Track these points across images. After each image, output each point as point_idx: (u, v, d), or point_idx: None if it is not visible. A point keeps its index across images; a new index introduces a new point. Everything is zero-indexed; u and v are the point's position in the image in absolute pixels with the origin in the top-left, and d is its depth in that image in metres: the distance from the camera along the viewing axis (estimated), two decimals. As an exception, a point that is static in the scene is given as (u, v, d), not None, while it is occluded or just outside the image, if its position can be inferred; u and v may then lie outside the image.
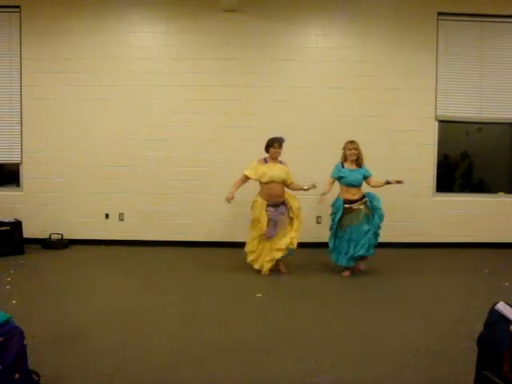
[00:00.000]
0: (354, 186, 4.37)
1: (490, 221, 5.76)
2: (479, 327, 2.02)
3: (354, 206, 4.34)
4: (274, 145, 4.37)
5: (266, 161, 4.45)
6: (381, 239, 5.57)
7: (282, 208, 4.40)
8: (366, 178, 4.45)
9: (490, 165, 6.22)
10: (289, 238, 4.31)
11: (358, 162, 4.43)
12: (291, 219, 4.43)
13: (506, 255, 5.41)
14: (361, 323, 3.17)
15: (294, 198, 4.49)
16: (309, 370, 2.44)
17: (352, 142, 4.43)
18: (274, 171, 4.35)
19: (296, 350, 2.69)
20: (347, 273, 4.42)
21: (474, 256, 5.30)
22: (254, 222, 4.39)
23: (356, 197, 4.37)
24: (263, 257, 4.40)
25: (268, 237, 4.34)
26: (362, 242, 4.26)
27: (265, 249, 4.39)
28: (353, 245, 4.29)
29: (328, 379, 2.36)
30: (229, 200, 4.34)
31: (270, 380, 2.35)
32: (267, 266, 4.38)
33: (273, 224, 4.34)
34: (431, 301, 3.69)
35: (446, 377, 2.39)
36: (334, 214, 4.40)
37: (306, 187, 4.36)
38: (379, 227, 4.39)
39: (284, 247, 4.30)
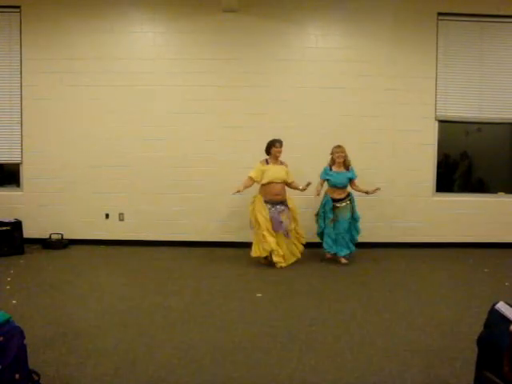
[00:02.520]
0: (339, 188, 4.80)
1: (490, 221, 5.76)
2: (479, 327, 2.02)
3: (340, 204, 4.78)
4: (275, 144, 4.67)
5: (267, 162, 4.73)
6: (381, 239, 5.63)
7: (281, 207, 4.65)
8: (350, 180, 4.85)
9: (489, 165, 6.22)
10: (297, 248, 4.83)
11: (346, 164, 4.82)
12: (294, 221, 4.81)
13: (506, 255, 5.41)
14: (361, 323, 3.17)
15: (292, 201, 4.82)
16: (309, 370, 2.44)
17: (339, 146, 4.81)
18: (274, 172, 4.64)
19: (296, 350, 2.69)
20: (344, 260, 4.85)
21: (474, 256, 5.30)
22: (253, 221, 4.66)
23: (341, 196, 4.81)
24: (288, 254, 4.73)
25: (278, 230, 4.60)
26: (345, 238, 4.80)
27: (284, 244, 4.70)
28: (338, 236, 4.78)
29: (328, 379, 2.36)
30: (236, 191, 4.58)
31: (270, 380, 2.35)
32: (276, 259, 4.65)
33: (276, 221, 4.59)
34: (431, 301, 3.69)
35: (445, 377, 2.39)
36: (330, 210, 4.77)
37: (301, 187, 4.73)
38: (357, 228, 4.88)
39: (297, 257, 4.82)
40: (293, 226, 4.76)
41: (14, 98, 5.59)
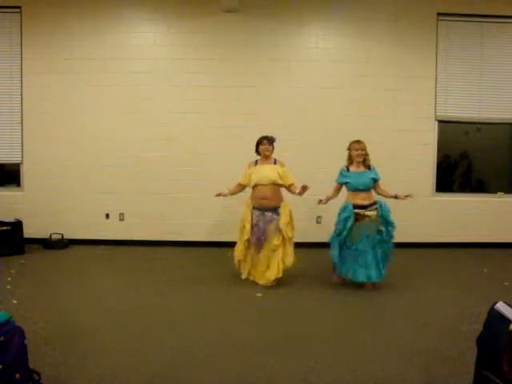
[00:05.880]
0: (362, 191, 3.90)
1: (490, 221, 5.77)
2: (479, 327, 2.03)
3: (366, 212, 3.86)
4: (262, 142, 4.14)
5: (256, 163, 4.20)
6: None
7: (270, 215, 4.01)
8: (375, 181, 4.00)
9: (489, 165, 6.22)
10: (275, 269, 3.97)
11: (366, 163, 4.01)
12: (282, 236, 4.01)
13: (506, 255, 5.41)
14: (360, 323, 3.17)
15: (286, 209, 4.06)
16: (309, 370, 2.45)
17: (358, 141, 3.99)
18: (261, 173, 4.04)
19: (296, 350, 2.69)
20: (338, 279, 4.04)
21: (473, 256, 5.30)
22: (240, 224, 4.14)
23: (366, 202, 3.88)
24: (253, 268, 4.11)
25: (254, 243, 4.01)
26: (372, 260, 3.82)
27: (253, 259, 4.09)
28: (364, 258, 3.82)
29: (328, 379, 2.37)
30: (219, 195, 4.14)
31: (269, 380, 2.35)
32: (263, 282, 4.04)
33: (259, 232, 3.99)
34: (431, 300, 3.69)
35: (445, 377, 2.39)
36: (343, 220, 3.86)
37: (297, 191, 3.96)
38: (390, 245, 3.92)
39: (271, 279, 3.98)
40: (277, 241, 3.97)
41: (15, 98, 5.59)
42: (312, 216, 5.51)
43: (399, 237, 5.63)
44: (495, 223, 5.77)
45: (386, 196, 4.05)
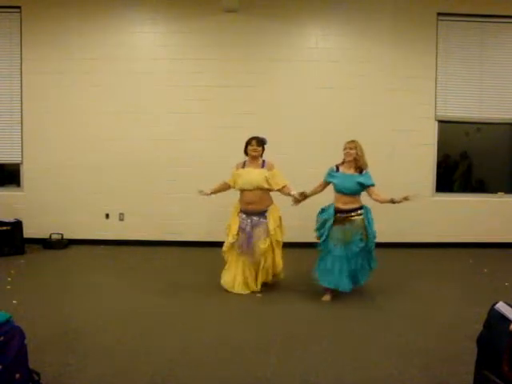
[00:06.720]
0: (345, 194, 3.64)
1: (490, 221, 5.76)
2: (479, 327, 2.03)
3: (346, 216, 3.64)
4: (251, 142, 3.92)
5: (244, 165, 3.98)
6: (380, 239, 5.50)
7: (257, 219, 3.82)
8: (364, 187, 3.68)
9: (489, 165, 6.23)
10: (263, 274, 3.83)
11: (358, 165, 3.69)
12: (270, 240, 3.80)
13: (506, 255, 5.41)
14: (361, 323, 3.17)
15: (275, 213, 3.87)
16: (309, 370, 2.45)
17: (351, 141, 3.74)
18: (247, 177, 3.83)
19: (296, 350, 2.69)
20: (328, 297, 3.69)
21: (473, 256, 5.30)
22: (227, 228, 3.98)
23: (348, 207, 3.64)
24: (238, 275, 3.83)
25: (242, 248, 3.80)
26: (345, 269, 3.58)
27: (239, 266, 3.84)
28: (346, 263, 3.59)
29: (328, 379, 2.37)
30: (202, 193, 4.09)
31: (270, 380, 2.35)
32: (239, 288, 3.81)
33: (246, 237, 3.80)
34: (431, 300, 3.70)
35: (445, 377, 2.39)
36: (323, 222, 3.72)
37: (292, 193, 3.74)
38: (370, 249, 3.71)
39: (260, 283, 3.85)
40: (264, 245, 3.74)
41: (15, 98, 5.59)
42: (311, 216, 5.49)
43: (399, 237, 5.69)
44: (495, 223, 5.77)
45: (382, 202, 3.66)
